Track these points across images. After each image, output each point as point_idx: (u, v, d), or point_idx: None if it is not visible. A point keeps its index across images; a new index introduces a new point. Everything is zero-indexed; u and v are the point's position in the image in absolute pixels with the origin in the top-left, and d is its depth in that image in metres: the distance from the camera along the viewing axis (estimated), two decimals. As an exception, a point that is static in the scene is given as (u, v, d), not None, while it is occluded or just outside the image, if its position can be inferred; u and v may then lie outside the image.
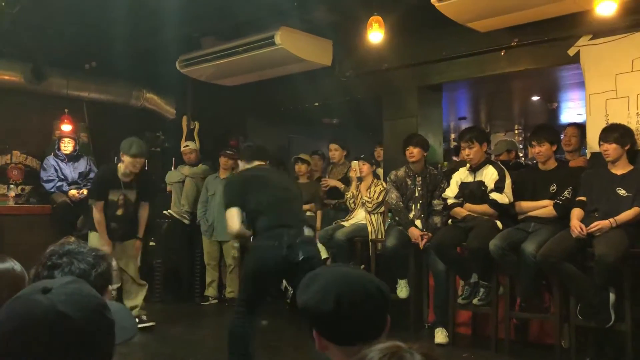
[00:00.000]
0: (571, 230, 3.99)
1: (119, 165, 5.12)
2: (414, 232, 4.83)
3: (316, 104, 6.88)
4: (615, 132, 4.11)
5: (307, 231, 4.50)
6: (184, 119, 7.48)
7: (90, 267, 1.65)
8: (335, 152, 6.20)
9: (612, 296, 3.91)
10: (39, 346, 0.97)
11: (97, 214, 5.00)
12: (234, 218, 3.62)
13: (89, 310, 1.03)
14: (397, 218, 5.05)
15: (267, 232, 3.55)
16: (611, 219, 3.90)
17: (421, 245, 4.80)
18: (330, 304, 1.40)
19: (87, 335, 1.01)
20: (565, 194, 4.28)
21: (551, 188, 4.37)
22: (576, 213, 4.09)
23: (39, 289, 1.03)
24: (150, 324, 5.10)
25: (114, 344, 1.08)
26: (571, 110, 8.45)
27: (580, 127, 5.15)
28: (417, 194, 4.99)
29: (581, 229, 3.93)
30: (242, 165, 4.11)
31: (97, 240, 4.98)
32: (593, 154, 4.60)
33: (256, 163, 4.04)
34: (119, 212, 5.13)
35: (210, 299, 6.38)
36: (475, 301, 4.58)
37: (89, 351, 1.01)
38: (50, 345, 0.97)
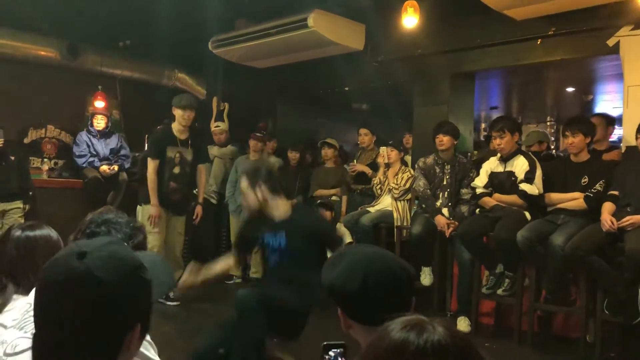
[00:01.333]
0: (602, 223, 3.92)
1: (172, 124, 5.27)
2: (440, 220, 4.80)
3: (346, 89, 6.86)
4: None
5: None
6: (214, 100, 7.52)
7: (127, 237, 1.70)
8: (365, 137, 6.16)
9: (641, 292, 3.85)
10: (75, 311, 1.00)
11: (151, 174, 5.11)
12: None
13: (125, 274, 1.05)
14: (423, 205, 5.03)
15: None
16: (644, 214, 3.83)
17: (447, 234, 4.78)
18: (357, 283, 1.41)
19: (123, 298, 1.03)
20: (597, 187, 4.19)
21: (582, 180, 4.29)
22: (607, 207, 4.02)
23: (75, 253, 1.04)
24: (176, 303, 5.21)
25: (150, 302, 1.11)
26: (607, 103, 8.27)
27: (605, 117, 5.03)
28: (445, 183, 4.96)
29: (612, 222, 3.86)
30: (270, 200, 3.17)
31: (144, 214, 5.13)
32: (628, 148, 4.50)
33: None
34: (176, 170, 5.25)
35: (234, 278, 6.45)
36: (499, 291, 4.55)
37: (124, 313, 1.04)
38: (87, 310, 1.00)
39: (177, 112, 5.16)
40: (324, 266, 1.54)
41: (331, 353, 1.42)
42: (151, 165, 5.13)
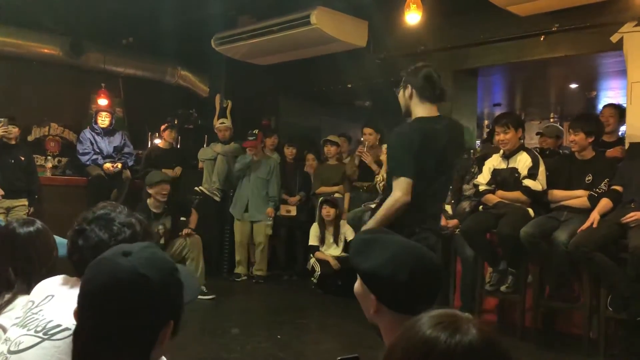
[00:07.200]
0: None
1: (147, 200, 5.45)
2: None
3: (349, 86, 6.85)
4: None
5: None
6: (217, 97, 7.53)
7: (109, 237, 1.56)
8: (369, 136, 6.09)
9: (644, 289, 3.84)
10: (121, 304, 1.08)
11: None
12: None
13: (165, 273, 1.14)
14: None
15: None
16: (648, 211, 3.82)
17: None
18: (406, 275, 1.45)
19: (164, 295, 1.12)
20: (602, 186, 4.16)
21: (587, 178, 4.27)
22: (603, 204, 4.02)
23: (120, 252, 1.13)
24: (211, 296, 5.46)
25: (183, 303, 1.19)
26: (610, 100, 8.23)
27: (618, 108, 4.98)
28: (447, 180, 4.95)
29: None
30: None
31: None
32: (632, 144, 4.48)
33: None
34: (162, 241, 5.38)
35: (241, 276, 6.48)
36: (503, 288, 4.53)
37: (164, 309, 1.12)
38: (132, 303, 1.08)
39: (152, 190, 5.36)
40: (352, 252, 1.59)
41: None
42: None
